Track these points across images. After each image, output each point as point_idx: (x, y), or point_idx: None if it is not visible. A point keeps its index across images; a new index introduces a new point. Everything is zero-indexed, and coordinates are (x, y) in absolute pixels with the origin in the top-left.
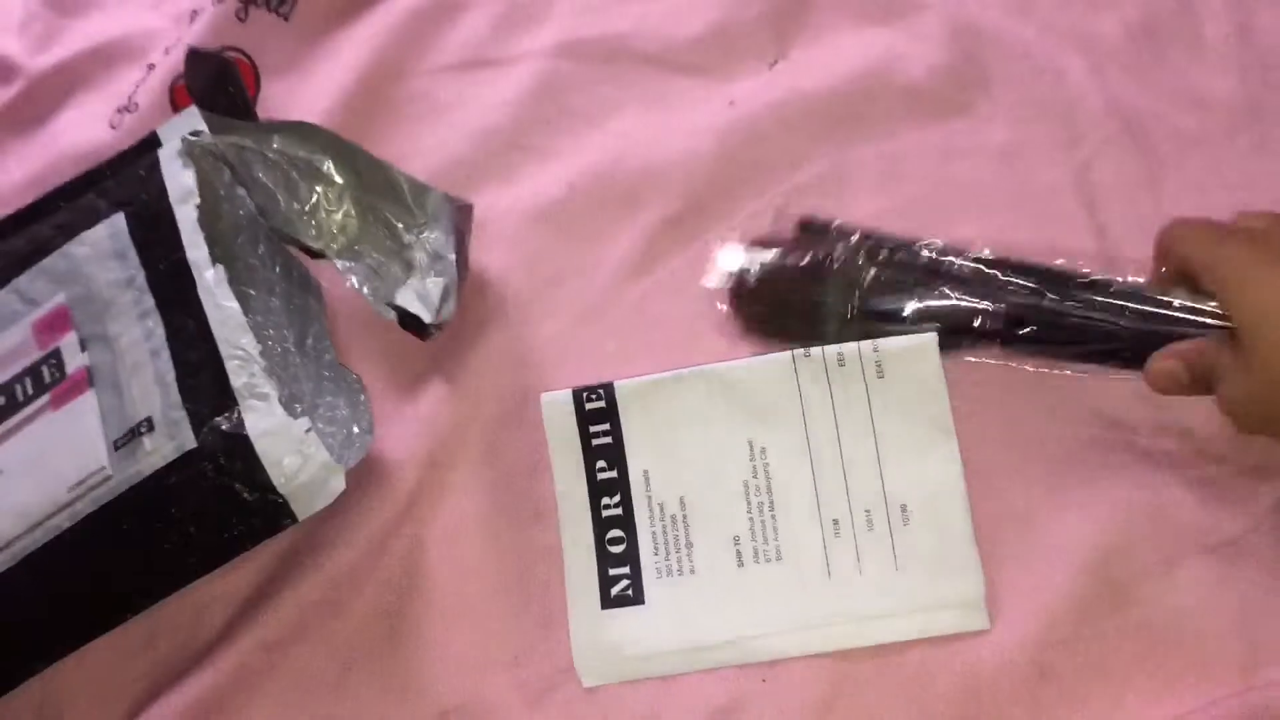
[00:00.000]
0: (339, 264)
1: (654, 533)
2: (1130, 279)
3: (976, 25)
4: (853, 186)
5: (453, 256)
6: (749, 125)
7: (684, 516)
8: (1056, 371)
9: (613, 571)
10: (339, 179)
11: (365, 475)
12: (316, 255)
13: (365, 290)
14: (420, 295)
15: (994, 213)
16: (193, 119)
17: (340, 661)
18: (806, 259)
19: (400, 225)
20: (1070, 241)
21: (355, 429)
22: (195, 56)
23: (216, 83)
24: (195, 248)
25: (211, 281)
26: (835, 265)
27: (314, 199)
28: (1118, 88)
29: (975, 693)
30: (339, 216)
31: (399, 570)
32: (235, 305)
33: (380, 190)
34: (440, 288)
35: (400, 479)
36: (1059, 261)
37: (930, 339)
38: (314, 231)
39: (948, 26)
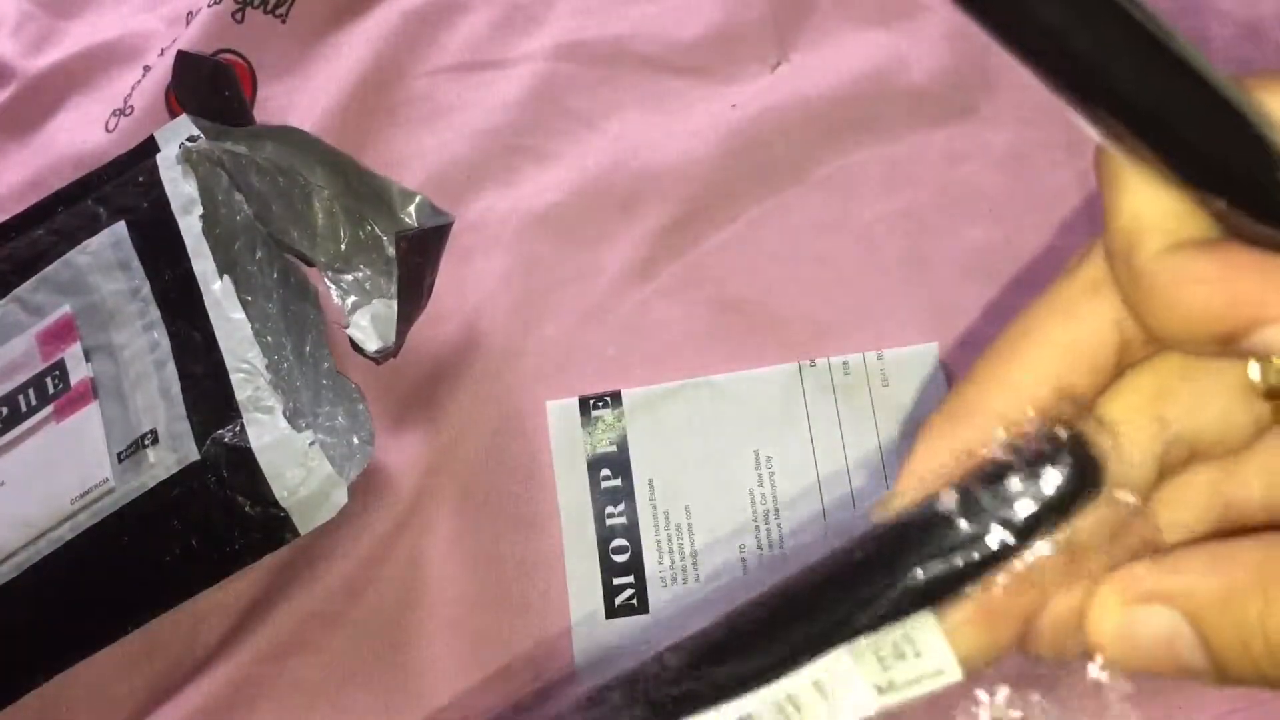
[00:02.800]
0: (326, 277)
1: (659, 541)
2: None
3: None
4: (856, 190)
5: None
6: (751, 128)
7: (689, 525)
8: None
9: (617, 581)
10: (329, 188)
11: (363, 485)
12: (311, 264)
13: (347, 304)
14: (375, 318)
15: (998, 217)
16: (189, 123)
17: (339, 673)
18: None
19: (385, 239)
20: (1075, 244)
21: (355, 440)
22: (187, 60)
23: (211, 86)
24: (201, 259)
25: (220, 294)
26: None
27: (306, 207)
28: None
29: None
30: (330, 226)
31: (398, 581)
32: (243, 317)
33: (370, 201)
34: (391, 313)
35: (398, 489)
36: None
37: (931, 348)
38: (307, 241)
39: (950, 29)
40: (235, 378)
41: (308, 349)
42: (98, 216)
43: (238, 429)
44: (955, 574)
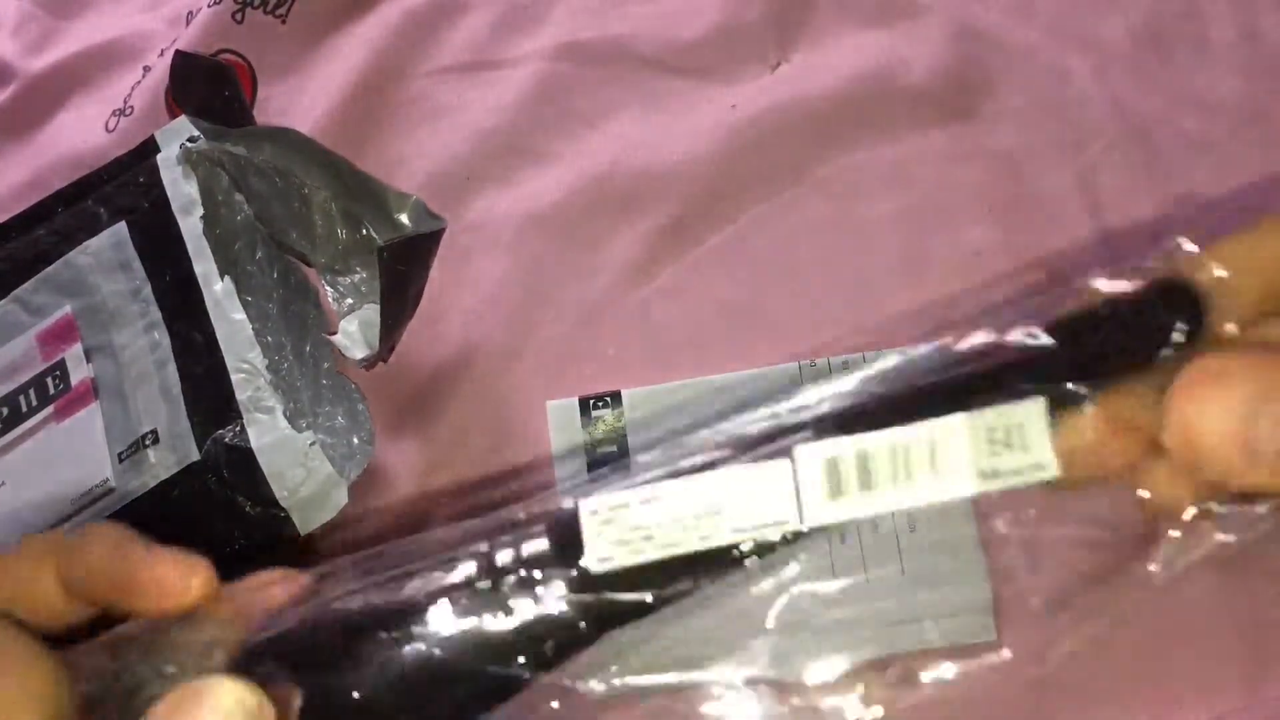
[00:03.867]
0: (324, 279)
1: None
2: None
3: (979, 28)
4: (856, 190)
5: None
6: (751, 129)
7: None
8: None
9: None
10: (325, 190)
11: (364, 485)
12: (311, 265)
13: (344, 307)
14: (364, 324)
15: (998, 217)
16: (190, 124)
17: None
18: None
19: (380, 241)
20: (1075, 244)
21: (355, 440)
22: (186, 60)
23: (211, 86)
24: (203, 260)
25: (221, 294)
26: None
27: (304, 208)
28: (1122, 91)
29: (977, 705)
30: (328, 228)
31: None
32: (244, 318)
33: (366, 203)
34: (377, 320)
35: (399, 489)
36: None
37: (931, 348)
38: (306, 242)
39: (951, 29)
40: (236, 378)
41: (308, 349)
42: (98, 217)
43: (238, 429)
44: (1071, 370)
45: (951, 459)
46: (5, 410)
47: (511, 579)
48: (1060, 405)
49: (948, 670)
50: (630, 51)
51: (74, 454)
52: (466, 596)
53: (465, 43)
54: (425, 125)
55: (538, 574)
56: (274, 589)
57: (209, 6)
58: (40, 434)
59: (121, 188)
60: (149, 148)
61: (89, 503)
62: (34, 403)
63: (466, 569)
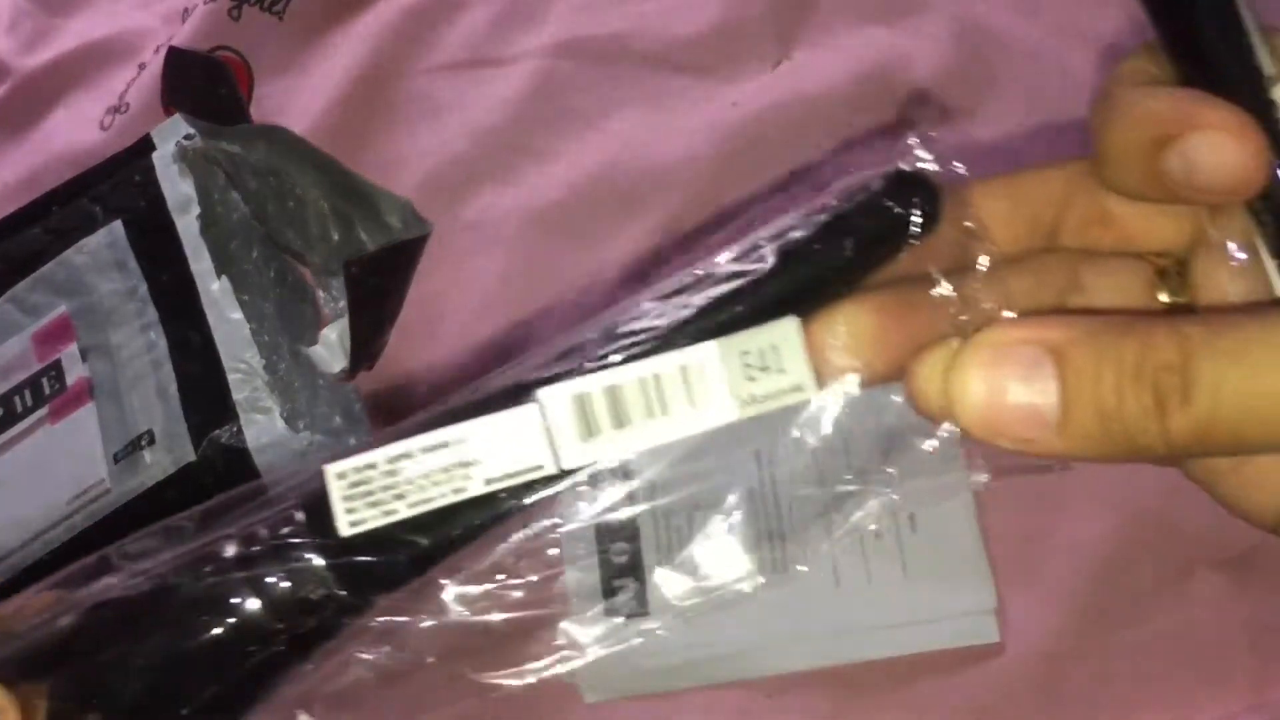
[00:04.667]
0: (318, 281)
1: (659, 543)
2: None
3: (983, 25)
4: None
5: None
6: (752, 127)
7: (689, 526)
8: None
9: (616, 583)
10: (317, 189)
11: None
12: (306, 265)
13: (337, 309)
14: (344, 334)
15: None
16: (185, 122)
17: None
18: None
19: (370, 242)
20: None
21: (352, 441)
22: (180, 57)
23: (207, 84)
24: (199, 259)
25: (218, 294)
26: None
27: (299, 208)
28: None
29: (983, 707)
30: (322, 228)
31: None
32: (241, 317)
33: (357, 204)
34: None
35: None
36: None
37: None
38: (302, 242)
39: (954, 26)
40: (232, 378)
41: (305, 349)
42: (94, 215)
43: (234, 429)
44: (816, 280)
45: (707, 388)
46: (0, 411)
47: (266, 552)
48: (813, 314)
49: (951, 671)
50: (630, 49)
51: (69, 455)
52: (220, 576)
53: (464, 40)
54: (424, 123)
55: (294, 542)
56: (16, 602)
57: (205, 3)
58: (35, 435)
59: (117, 186)
60: (145, 145)
61: (85, 504)
62: (29, 403)
63: (221, 548)
